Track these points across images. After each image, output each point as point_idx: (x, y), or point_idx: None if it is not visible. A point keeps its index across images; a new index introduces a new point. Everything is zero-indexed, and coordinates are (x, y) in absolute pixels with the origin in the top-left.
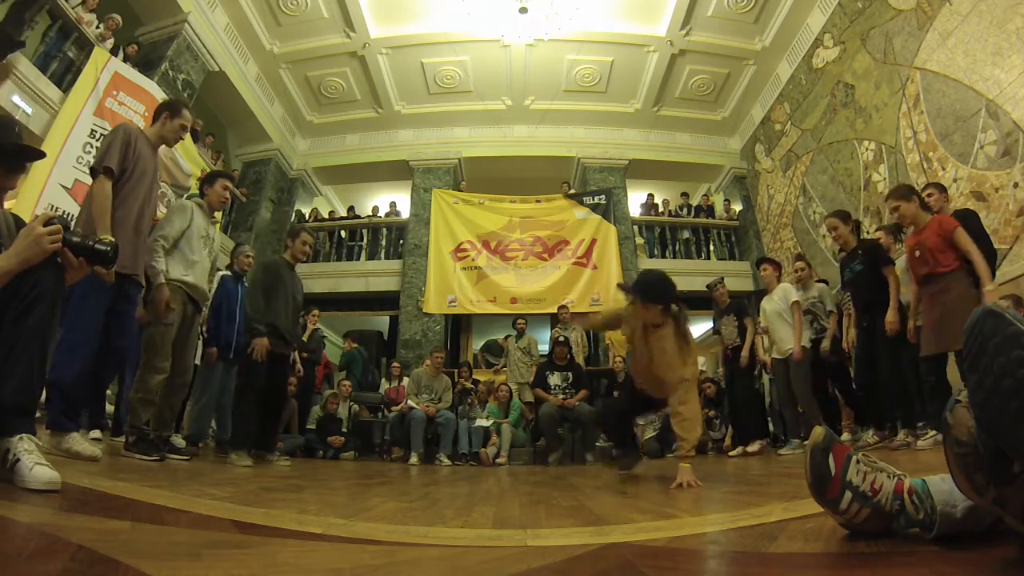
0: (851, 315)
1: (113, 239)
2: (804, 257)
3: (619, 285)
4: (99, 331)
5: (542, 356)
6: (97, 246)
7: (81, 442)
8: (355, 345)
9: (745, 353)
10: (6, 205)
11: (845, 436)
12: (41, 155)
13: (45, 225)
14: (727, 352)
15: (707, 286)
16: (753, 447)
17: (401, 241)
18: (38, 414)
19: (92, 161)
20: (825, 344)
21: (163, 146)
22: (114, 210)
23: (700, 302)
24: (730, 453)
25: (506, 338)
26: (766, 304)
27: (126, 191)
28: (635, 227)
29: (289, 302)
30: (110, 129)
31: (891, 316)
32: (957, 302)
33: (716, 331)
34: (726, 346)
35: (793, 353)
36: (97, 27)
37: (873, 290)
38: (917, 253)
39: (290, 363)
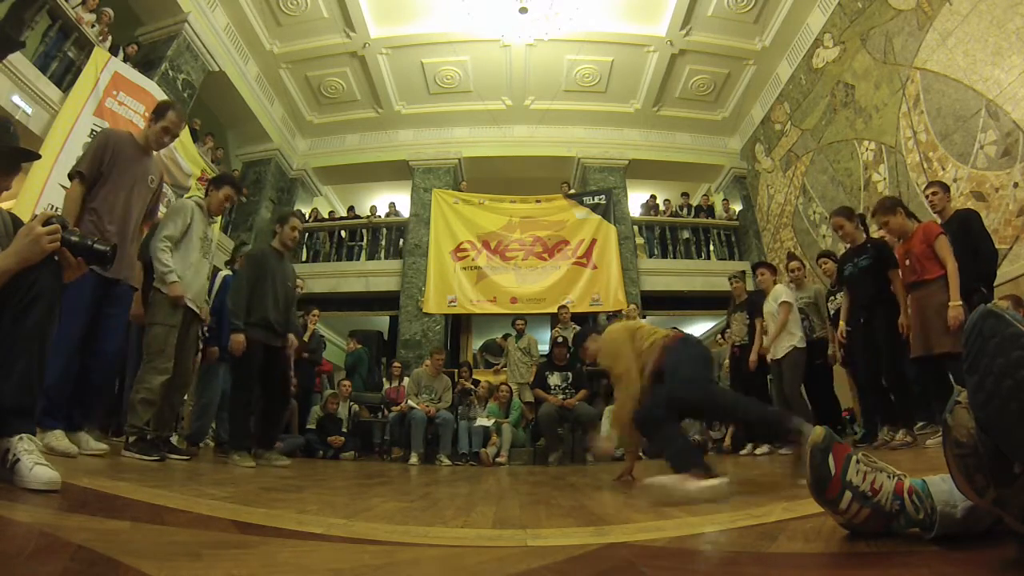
0: (840, 311)
1: (112, 240)
2: (797, 256)
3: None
4: (79, 332)
5: (542, 356)
6: (96, 246)
7: (61, 439)
8: (360, 345)
9: (754, 357)
10: (5, 205)
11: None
12: (36, 156)
13: (44, 225)
14: (734, 349)
15: (729, 278)
16: (762, 449)
17: (401, 241)
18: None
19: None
20: (832, 350)
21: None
22: (94, 212)
23: (700, 302)
24: (741, 452)
25: (505, 337)
26: (765, 307)
27: (104, 194)
28: (635, 227)
29: (279, 292)
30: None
31: (903, 319)
32: (939, 310)
33: (727, 325)
34: (733, 343)
35: (775, 352)
36: (93, 26)
37: (876, 288)
38: (907, 261)
39: (287, 356)
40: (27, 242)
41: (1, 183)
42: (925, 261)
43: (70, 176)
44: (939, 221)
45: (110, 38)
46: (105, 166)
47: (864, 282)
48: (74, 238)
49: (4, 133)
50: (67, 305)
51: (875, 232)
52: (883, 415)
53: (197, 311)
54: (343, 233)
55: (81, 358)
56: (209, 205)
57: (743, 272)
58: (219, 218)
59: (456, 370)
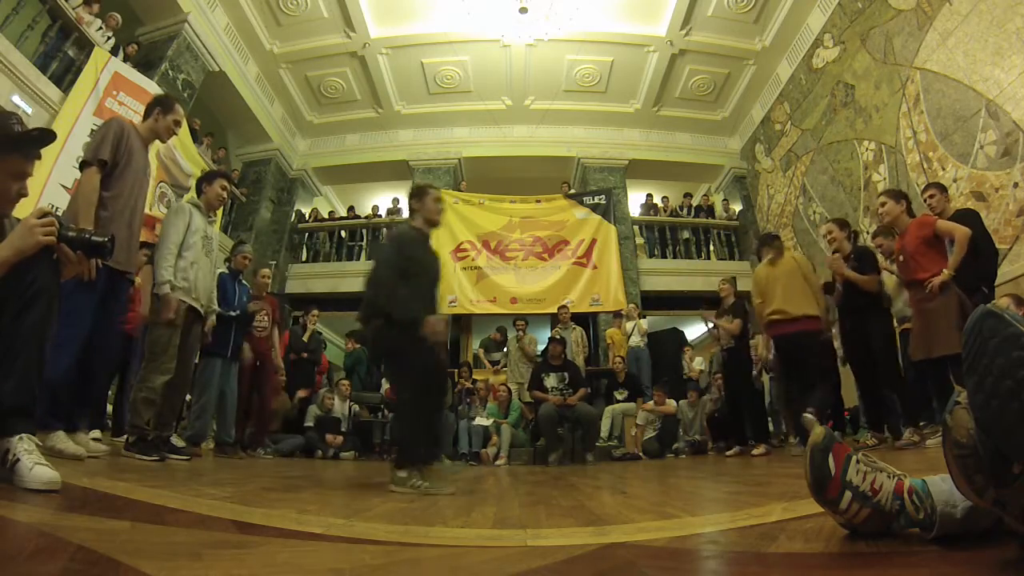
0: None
1: (110, 232)
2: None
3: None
4: (87, 328)
5: (539, 356)
6: (94, 238)
7: (65, 441)
8: (358, 345)
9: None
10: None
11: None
12: (53, 136)
13: (38, 218)
14: (723, 353)
15: (720, 281)
16: (759, 451)
17: None
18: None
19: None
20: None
21: (163, 146)
22: (108, 204)
23: (700, 302)
24: (727, 453)
25: (499, 330)
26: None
27: (119, 186)
28: (635, 227)
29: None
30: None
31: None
32: (938, 309)
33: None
34: (721, 347)
35: None
36: (99, 28)
37: (863, 294)
38: (901, 258)
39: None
40: (22, 232)
41: (25, 168)
42: (919, 257)
43: (86, 163)
44: None
45: (112, 38)
46: (120, 156)
47: (853, 290)
48: (71, 233)
49: (15, 121)
50: (78, 303)
51: (873, 211)
52: (865, 417)
53: (201, 310)
54: (343, 233)
55: (83, 354)
56: (208, 201)
57: (733, 278)
58: (220, 213)
59: (456, 370)
